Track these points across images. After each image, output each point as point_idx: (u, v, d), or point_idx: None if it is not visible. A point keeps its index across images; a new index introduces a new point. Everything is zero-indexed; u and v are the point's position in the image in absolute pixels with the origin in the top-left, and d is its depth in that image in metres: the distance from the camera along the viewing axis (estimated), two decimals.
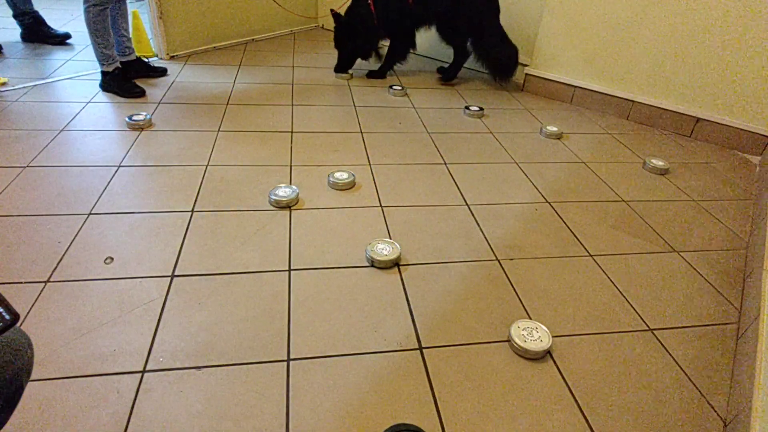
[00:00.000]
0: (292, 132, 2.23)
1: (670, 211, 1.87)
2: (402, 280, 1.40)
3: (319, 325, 1.22)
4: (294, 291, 1.32)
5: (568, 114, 2.74)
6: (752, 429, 0.92)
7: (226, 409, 1.00)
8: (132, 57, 2.65)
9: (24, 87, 2.47)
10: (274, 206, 1.67)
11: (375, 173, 1.95)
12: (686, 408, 1.10)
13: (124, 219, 1.55)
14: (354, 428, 0.99)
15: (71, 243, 1.43)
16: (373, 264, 1.43)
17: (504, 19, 2.87)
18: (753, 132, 2.37)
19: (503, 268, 1.48)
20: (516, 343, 1.18)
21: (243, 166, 1.91)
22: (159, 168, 1.85)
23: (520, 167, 2.10)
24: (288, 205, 1.68)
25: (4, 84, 2.46)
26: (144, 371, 1.07)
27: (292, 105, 2.53)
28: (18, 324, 0.50)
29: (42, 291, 1.25)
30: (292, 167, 1.93)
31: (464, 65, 3.16)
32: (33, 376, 0.87)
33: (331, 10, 2.77)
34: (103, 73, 2.45)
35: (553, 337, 1.22)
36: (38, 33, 3.17)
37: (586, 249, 1.60)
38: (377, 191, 1.82)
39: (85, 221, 1.53)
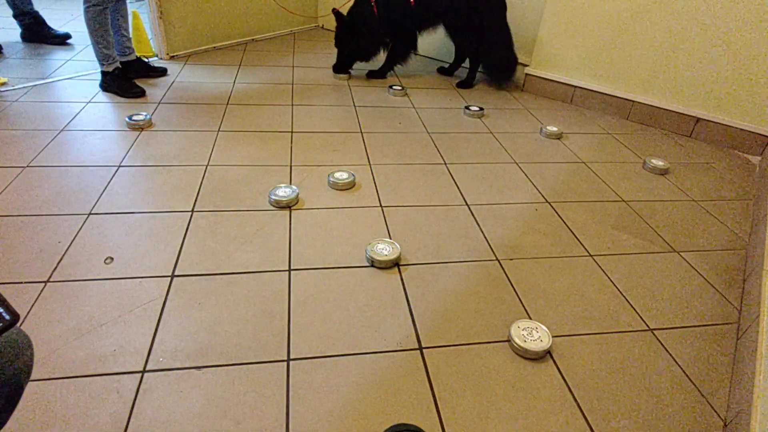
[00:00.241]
0: (292, 132, 2.23)
1: (670, 211, 1.87)
2: (402, 280, 1.40)
3: (319, 325, 1.22)
4: (294, 291, 1.32)
5: (568, 114, 2.75)
6: (752, 429, 0.92)
7: (226, 409, 1.00)
8: (132, 57, 2.65)
9: (24, 87, 2.47)
10: (274, 206, 1.67)
11: (375, 173, 1.95)
12: (686, 408, 1.10)
13: (124, 219, 1.55)
14: (354, 428, 0.99)
15: (71, 243, 1.43)
16: (373, 264, 1.43)
17: None
18: (753, 132, 2.37)
19: (503, 268, 1.48)
20: (516, 343, 1.18)
21: (243, 166, 1.91)
22: (159, 168, 1.85)
23: (520, 167, 2.10)
24: (288, 205, 1.68)
25: (4, 84, 2.46)
26: (144, 371, 1.07)
27: (292, 105, 2.53)
28: (18, 324, 0.50)
29: (42, 291, 1.25)
30: (292, 167, 1.93)
31: (462, 65, 3.17)
32: (33, 376, 0.86)
33: (334, 9, 2.77)
34: (103, 73, 2.45)
35: (553, 337, 1.22)
36: (38, 33, 3.17)
37: (586, 249, 1.60)
38: (377, 191, 1.82)
39: (85, 221, 1.53)
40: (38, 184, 1.69)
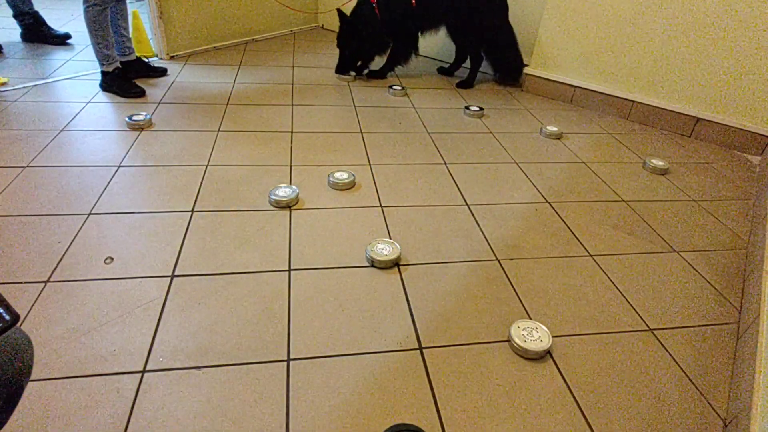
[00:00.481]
0: (292, 132, 2.23)
1: (670, 211, 1.87)
2: (402, 280, 1.40)
3: (319, 325, 1.22)
4: (294, 291, 1.32)
5: (568, 114, 2.75)
6: (752, 429, 0.92)
7: (226, 409, 1.00)
8: (132, 57, 2.65)
9: (24, 87, 2.47)
10: (274, 206, 1.67)
11: (375, 173, 1.95)
12: (686, 408, 1.10)
13: (124, 219, 1.55)
14: (354, 428, 0.99)
15: (71, 243, 1.43)
16: (373, 264, 1.43)
17: None
18: (753, 132, 2.37)
19: (503, 268, 1.48)
20: (516, 343, 1.18)
21: (243, 166, 1.91)
22: (159, 168, 1.85)
23: (520, 167, 2.10)
24: (288, 205, 1.68)
25: (4, 84, 2.46)
26: (144, 371, 1.07)
27: (292, 105, 2.53)
28: (18, 324, 0.50)
29: (42, 291, 1.25)
30: (292, 167, 1.93)
31: (463, 65, 3.17)
32: (33, 376, 0.86)
33: (338, 9, 2.76)
34: (103, 73, 2.45)
35: (553, 337, 1.22)
36: (38, 33, 3.17)
37: (586, 249, 1.60)
38: (377, 191, 1.82)
39: (85, 221, 1.53)
40: (38, 184, 1.69)
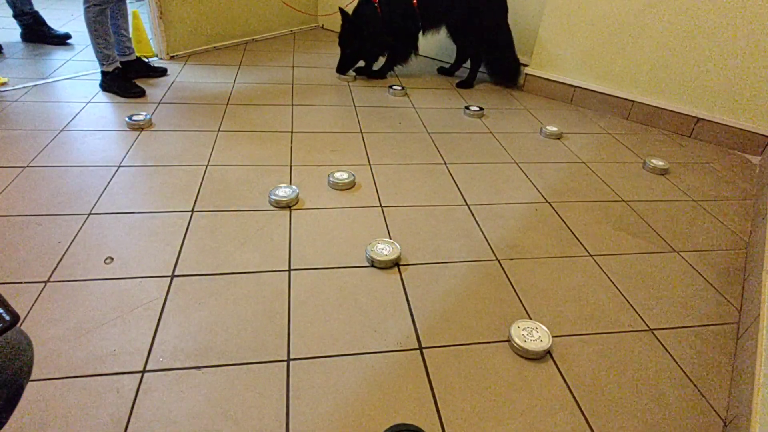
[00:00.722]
0: (292, 132, 2.23)
1: (670, 211, 1.87)
2: (402, 280, 1.40)
3: (319, 325, 1.22)
4: (294, 291, 1.32)
5: (568, 114, 2.75)
6: (752, 429, 0.92)
7: (226, 409, 1.00)
8: (132, 57, 2.65)
9: (24, 87, 2.47)
10: (274, 206, 1.67)
11: (375, 173, 1.95)
12: (686, 408, 1.10)
13: (124, 219, 1.55)
14: (354, 428, 0.99)
15: (71, 243, 1.43)
16: (373, 264, 1.43)
17: None
18: (753, 132, 2.37)
19: (503, 268, 1.48)
20: (516, 343, 1.18)
21: (243, 166, 1.91)
22: (159, 168, 1.85)
23: (520, 167, 2.10)
24: (288, 205, 1.67)
25: (4, 84, 2.46)
26: (144, 371, 1.07)
27: (292, 105, 2.53)
28: (18, 324, 0.50)
29: (42, 291, 1.25)
30: (292, 167, 1.93)
31: (462, 65, 3.17)
32: (33, 376, 0.86)
33: (340, 8, 2.76)
34: (103, 73, 2.45)
35: (553, 337, 1.22)
36: (38, 33, 3.17)
37: (586, 249, 1.60)
38: (377, 191, 1.82)
39: (85, 221, 1.53)
40: (38, 184, 1.69)
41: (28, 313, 1.19)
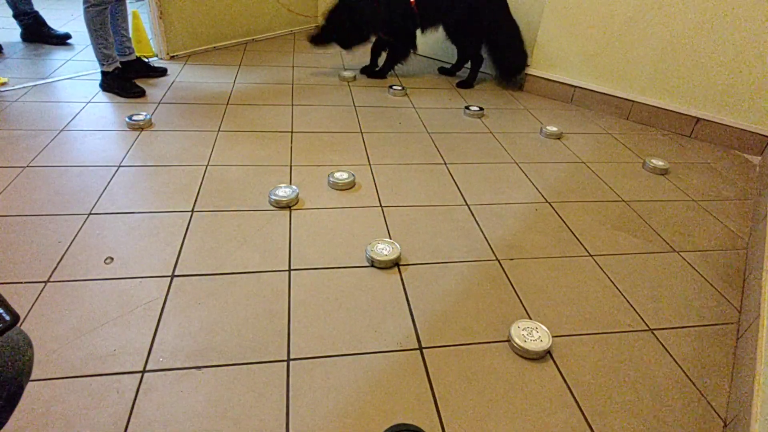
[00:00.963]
0: (292, 132, 2.23)
1: (670, 211, 1.87)
2: (402, 280, 1.40)
3: (319, 325, 1.22)
4: (294, 291, 1.32)
5: (568, 114, 2.75)
6: (752, 429, 0.92)
7: (226, 409, 1.00)
8: (132, 57, 2.65)
9: (24, 87, 2.47)
10: (274, 206, 1.67)
11: (375, 173, 1.95)
12: (686, 408, 1.10)
13: (124, 219, 1.55)
14: (354, 428, 0.99)
15: (71, 243, 1.43)
16: (373, 264, 1.43)
17: None
18: (753, 132, 2.37)
19: (503, 268, 1.48)
20: (516, 343, 1.18)
21: (243, 166, 1.91)
22: (159, 168, 1.85)
23: (520, 167, 2.10)
24: (288, 205, 1.68)
25: (4, 84, 2.46)
26: (144, 371, 1.07)
27: (292, 105, 2.53)
28: (18, 324, 0.50)
29: (42, 291, 1.25)
30: (292, 167, 1.93)
31: (464, 65, 3.17)
32: (33, 376, 0.87)
33: None
34: (103, 73, 2.45)
35: (553, 337, 1.22)
36: (38, 33, 3.17)
37: (586, 249, 1.60)
38: (377, 191, 1.82)
39: (85, 221, 1.53)
40: (38, 184, 1.69)
41: (28, 313, 1.19)
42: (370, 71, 3.05)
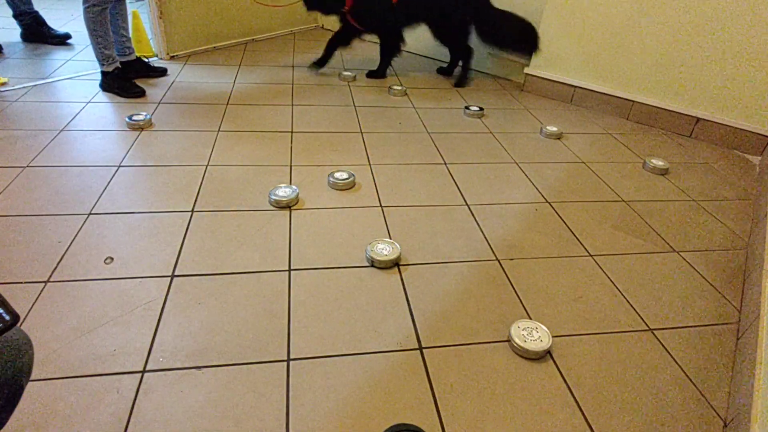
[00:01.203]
0: (292, 132, 2.23)
1: (670, 211, 1.87)
2: (402, 280, 1.40)
3: (319, 325, 1.22)
4: (294, 291, 1.32)
5: (568, 114, 2.75)
6: (752, 429, 0.92)
7: (226, 409, 1.00)
8: (132, 57, 2.65)
9: (24, 87, 2.47)
10: (274, 206, 1.67)
11: (375, 173, 1.95)
12: (686, 408, 1.10)
13: (124, 219, 1.55)
14: (354, 428, 0.99)
15: (71, 243, 1.43)
16: (373, 264, 1.43)
17: None
18: (753, 132, 2.37)
19: (503, 268, 1.48)
20: (516, 343, 1.18)
21: (243, 166, 1.91)
22: (159, 168, 1.85)
23: (520, 167, 2.10)
24: (288, 205, 1.67)
25: (4, 84, 2.46)
26: (144, 371, 1.07)
27: (292, 105, 2.53)
28: (18, 324, 0.50)
29: (42, 291, 1.25)
30: (292, 167, 1.93)
31: (459, 63, 3.17)
32: (33, 376, 0.87)
33: None
34: (103, 73, 2.45)
35: (553, 337, 1.22)
36: (38, 33, 3.17)
37: (586, 249, 1.60)
38: (377, 191, 1.82)
39: (85, 221, 1.53)
40: (38, 184, 1.69)
41: (28, 313, 1.19)
42: (369, 72, 3.04)
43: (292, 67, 3.12)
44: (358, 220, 1.65)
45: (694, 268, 1.56)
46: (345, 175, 1.83)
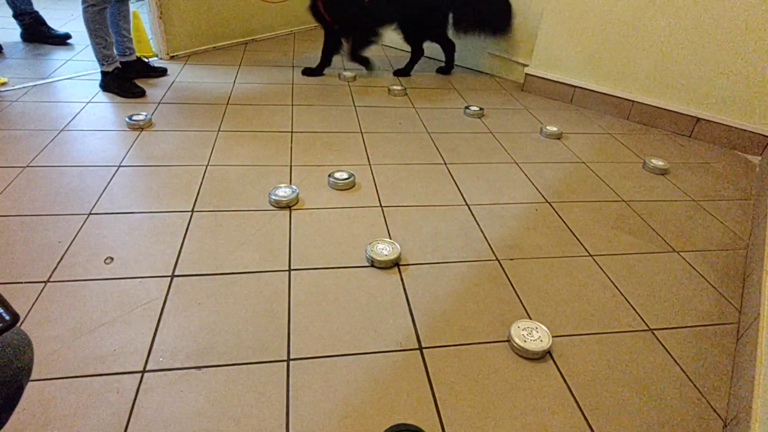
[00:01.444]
0: (292, 132, 2.23)
1: (670, 211, 1.87)
2: (402, 280, 1.40)
3: (319, 325, 1.22)
4: (294, 291, 1.32)
5: (568, 114, 2.75)
6: (752, 429, 0.92)
7: (226, 409, 1.00)
8: (132, 58, 2.65)
9: (24, 87, 2.47)
10: (274, 206, 1.67)
11: (375, 173, 1.95)
12: (686, 408, 1.10)
13: (124, 219, 1.55)
14: (354, 428, 0.99)
15: (71, 243, 1.43)
16: (373, 264, 1.43)
17: None
18: (753, 132, 2.37)
19: (503, 268, 1.48)
20: (516, 343, 1.18)
21: (243, 166, 1.91)
22: (159, 168, 1.85)
23: (520, 167, 2.10)
24: (288, 205, 1.68)
25: (4, 84, 2.46)
26: (144, 371, 1.07)
27: (292, 105, 2.53)
28: (18, 324, 0.50)
29: (42, 291, 1.25)
30: (292, 167, 1.93)
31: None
32: (33, 376, 0.87)
33: None
34: (103, 73, 2.45)
35: (553, 337, 1.22)
36: (38, 33, 3.17)
37: (586, 249, 1.60)
38: (377, 191, 1.82)
39: (85, 221, 1.53)
40: (38, 184, 1.69)
41: (28, 313, 1.19)
42: (320, 69, 3.01)
43: (292, 67, 3.12)
44: (358, 220, 1.65)
45: (694, 268, 1.56)
46: (345, 175, 1.84)
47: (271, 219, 1.61)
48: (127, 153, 1.94)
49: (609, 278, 1.48)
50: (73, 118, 2.18)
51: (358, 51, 3.01)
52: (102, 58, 2.38)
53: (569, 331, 1.27)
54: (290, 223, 1.60)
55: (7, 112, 2.19)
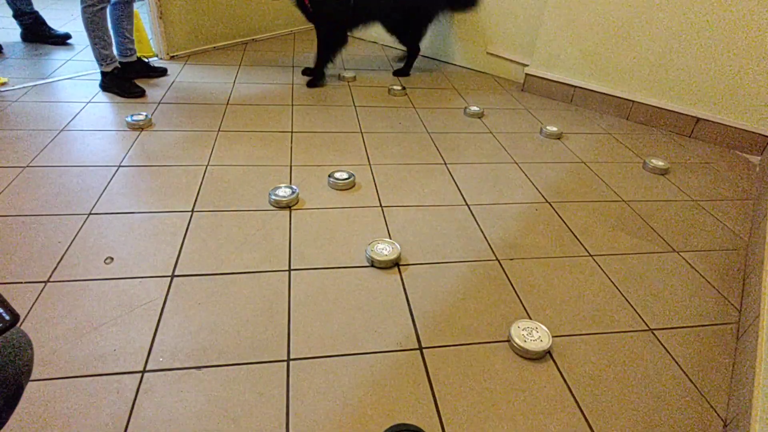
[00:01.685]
0: (292, 132, 2.23)
1: (670, 211, 1.87)
2: (402, 280, 1.40)
3: (319, 325, 1.22)
4: (294, 291, 1.32)
5: (568, 114, 2.75)
6: (752, 429, 0.92)
7: (226, 409, 1.00)
8: (133, 58, 2.65)
9: (24, 87, 2.47)
10: (274, 206, 1.67)
11: (375, 173, 1.95)
12: (686, 408, 1.10)
13: (124, 219, 1.55)
14: (354, 428, 0.99)
15: (71, 243, 1.43)
16: (373, 264, 1.43)
17: (504, 19, 2.87)
18: (753, 132, 2.37)
19: (503, 268, 1.48)
20: (516, 343, 1.18)
21: (243, 166, 1.91)
22: (159, 168, 1.85)
23: (520, 167, 2.10)
24: (288, 205, 1.68)
25: (4, 84, 2.46)
26: (144, 371, 1.07)
27: (292, 105, 2.53)
28: (18, 324, 0.50)
29: (42, 291, 1.25)
30: (292, 167, 1.93)
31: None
32: (33, 376, 0.87)
33: None
34: (103, 73, 2.45)
35: (553, 337, 1.22)
36: (38, 33, 3.17)
37: (586, 249, 1.60)
38: (377, 191, 1.82)
39: (85, 221, 1.53)
40: (38, 184, 1.69)
41: (28, 313, 1.19)
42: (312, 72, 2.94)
43: (292, 67, 3.12)
44: (358, 220, 1.65)
45: (694, 268, 1.56)
46: (345, 175, 1.84)
47: (271, 219, 1.61)
48: (127, 153, 1.94)
49: (609, 278, 1.48)
50: (73, 118, 2.18)
51: (327, 55, 2.82)
52: (101, 59, 2.38)
53: (569, 331, 1.27)
54: (290, 223, 1.60)
55: (7, 112, 2.19)
